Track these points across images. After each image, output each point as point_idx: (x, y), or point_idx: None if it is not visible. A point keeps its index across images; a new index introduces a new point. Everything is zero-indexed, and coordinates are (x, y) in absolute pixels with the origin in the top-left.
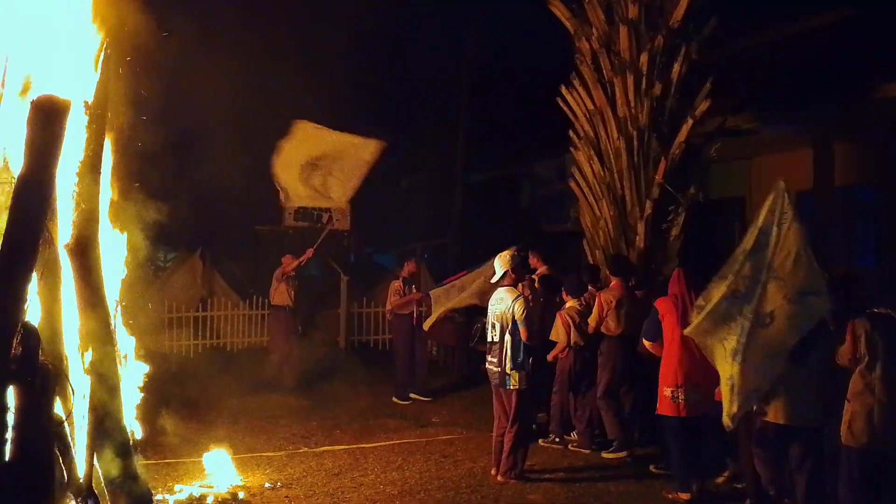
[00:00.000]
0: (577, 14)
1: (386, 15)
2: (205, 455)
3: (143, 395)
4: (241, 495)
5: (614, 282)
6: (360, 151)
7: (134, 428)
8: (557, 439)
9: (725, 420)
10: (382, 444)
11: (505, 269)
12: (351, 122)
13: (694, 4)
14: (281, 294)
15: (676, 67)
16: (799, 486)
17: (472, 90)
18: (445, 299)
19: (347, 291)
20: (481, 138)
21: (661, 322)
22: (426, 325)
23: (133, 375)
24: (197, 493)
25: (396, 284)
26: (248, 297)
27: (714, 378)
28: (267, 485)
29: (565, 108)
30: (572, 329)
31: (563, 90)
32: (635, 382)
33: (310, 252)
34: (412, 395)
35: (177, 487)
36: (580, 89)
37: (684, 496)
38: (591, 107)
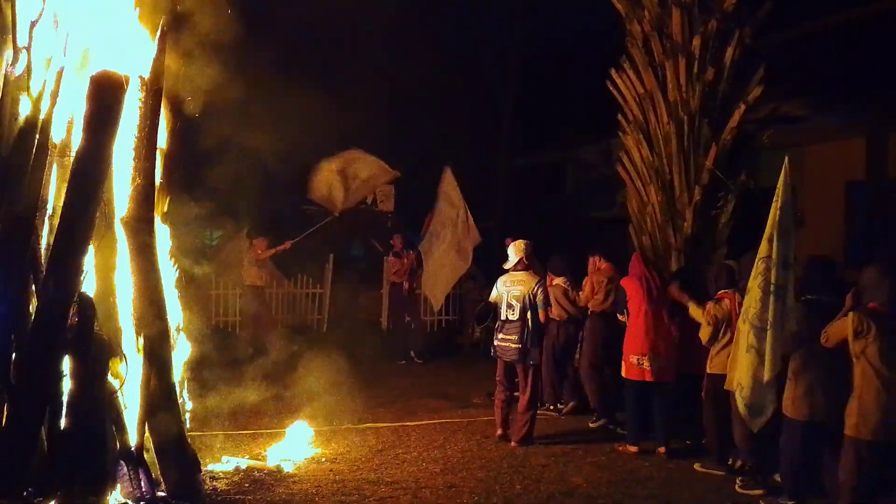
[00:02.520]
0: None
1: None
2: (251, 428)
3: (192, 368)
4: (286, 468)
5: (607, 265)
6: (379, 175)
7: (184, 400)
8: (552, 407)
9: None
10: (425, 422)
11: (519, 257)
12: (396, 104)
13: None
14: (252, 275)
15: (729, 52)
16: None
17: (518, 73)
18: (430, 251)
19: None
20: (526, 122)
21: (629, 299)
22: (437, 305)
23: (183, 349)
24: (244, 464)
25: (391, 260)
26: (293, 275)
27: (673, 348)
28: (312, 459)
29: (614, 92)
30: (558, 305)
31: (613, 73)
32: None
33: (287, 244)
34: (413, 357)
35: (224, 459)
36: (630, 72)
37: (633, 448)
38: (641, 91)
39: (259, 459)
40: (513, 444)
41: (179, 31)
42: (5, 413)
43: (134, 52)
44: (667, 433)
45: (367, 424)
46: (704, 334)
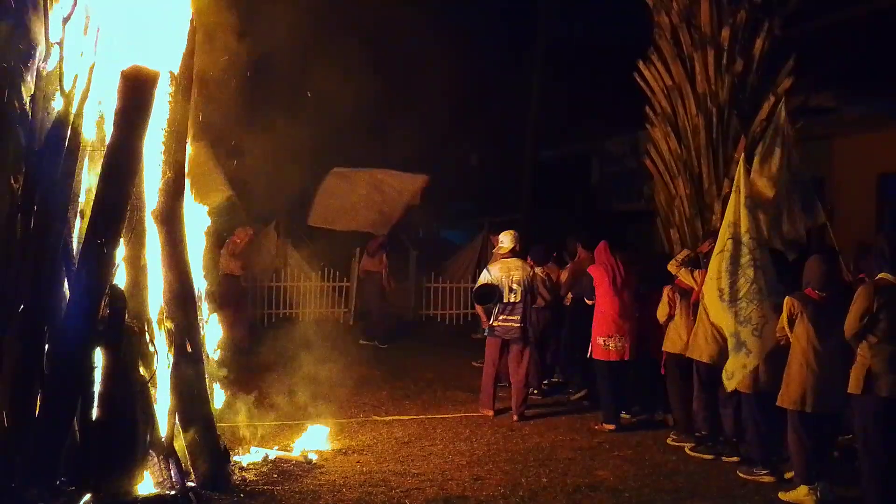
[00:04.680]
0: None
1: None
2: (279, 420)
3: (221, 360)
4: (314, 459)
5: (585, 254)
6: (403, 186)
7: (213, 391)
8: (535, 392)
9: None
10: (451, 415)
11: (512, 245)
12: (421, 97)
13: None
14: (228, 264)
15: (759, 43)
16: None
17: (544, 65)
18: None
19: (416, 266)
20: (552, 114)
21: (596, 285)
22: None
23: (212, 341)
24: (272, 455)
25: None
26: (321, 269)
27: (635, 331)
28: (339, 450)
29: (642, 84)
30: (538, 293)
31: (641, 65)
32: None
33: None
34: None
35: (253, 450)
36: (658, 64)
37: (609, 426)
38: (669, 82)
39: (287, 450)
40: (514, 418)
41: (209, 27)
42: (38, 404)
43: (164, 47)
44: (625, 405)
45: (394, 417)
46: (661, 314)
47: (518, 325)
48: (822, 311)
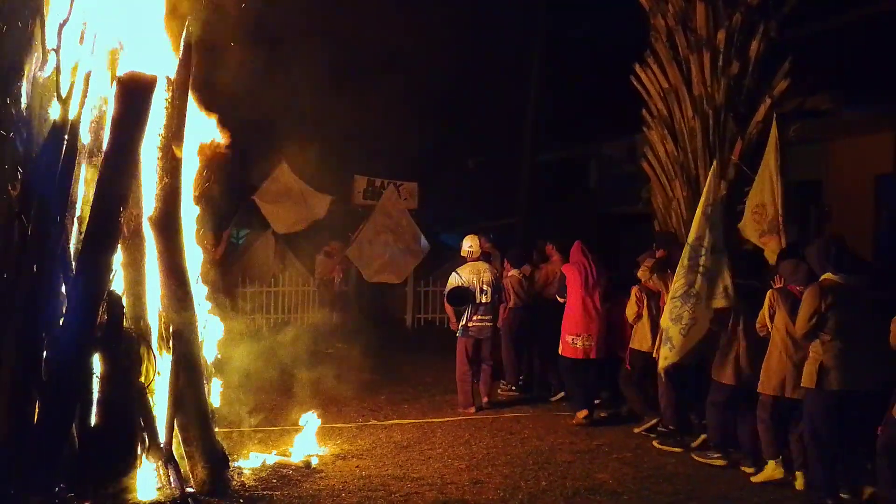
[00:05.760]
0: None
1: None
2: (278, 425)
3: (219, 366)
4: (313, 463)
5: (558, 257)
6: (314, 204)
7: (212, 397)
8: (513, 388)
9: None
10: (449, 419)
11: (478, 249)
12: (420, 101)
13: None
14: (325, 271)
15: (755, 45)
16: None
17: (541, 69)
18: (370, 255)
19: (414, 270)
20: (550, 118)
21: (567, 284)
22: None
23: (210, 346)
24: (271, 460)
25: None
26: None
27: (604, 330)
28: (338, 454)
29: (638, 87)
30: (513, 294)
31: (637, 68)
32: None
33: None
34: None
35: (252, 455)
36: (654, 67)
37: (582, 413)
38: (665, 85)
39: (286, 455)
40: (485, 400)
41: (206, 33)
42: (37, 410)
43: (161, 53)
44: (592, 400)
45: (393, 421)
46: (630, 313)
47: (490, 324)
48: (799, 304)
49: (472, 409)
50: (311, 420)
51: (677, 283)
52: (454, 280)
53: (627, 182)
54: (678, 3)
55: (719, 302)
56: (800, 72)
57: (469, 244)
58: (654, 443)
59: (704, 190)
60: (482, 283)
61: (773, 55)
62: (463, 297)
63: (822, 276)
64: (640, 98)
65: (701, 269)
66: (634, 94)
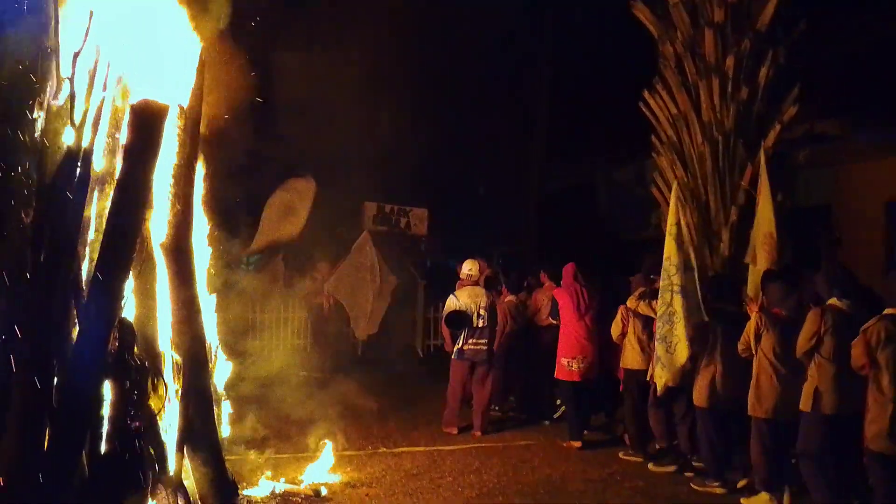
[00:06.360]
0: (662, 17)
1: (464, 18)
2: (287, 452)
3: (229, 392)
4: (322, 492)
5: (550, 283)
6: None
7: (222, 424)
8: (496, 408)
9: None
10: (460, 446)
11: (477, 273)
12: (428, 127)
13: (782, 7)
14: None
15: (763, 71)
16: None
17: (548, 95)
18: (351, 290)
19: (424, 296)
20: (557, 144)
21: (560, 308)
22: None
23: (221, 373)
24: (280, 488)
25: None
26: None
27: (597, 352)
28: (347, 482)
29: (647, 113)
30: (510, 318)
31: (646, 94)
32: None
33: None
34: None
35: (261, 482)
36: (663, 93)
37: (576, 444)
38: (674, 111)
39: (295, 483)
40: (478, 434)
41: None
42: (47, 437)
43: (173, 81)
44: (585, 427)
45: (402, 448)
46: (615, 332)
47: (486, 347)
48: (788, 328)
49: (455, 430)
50: (320, 447)
51: (660, 303)
52: (452, 303)
53: (637, 208)
54: (687, 30)
55: (697, 317)
56: (809, 97)
57: (469, 268)
58: (650, 466)
59: (669, 212)
60: (479, 308)
61: (781, 80)
62: (460, 320)
63: (828, 302)
64: (649, 124)
65: (676, 287)
66: (642, 119)
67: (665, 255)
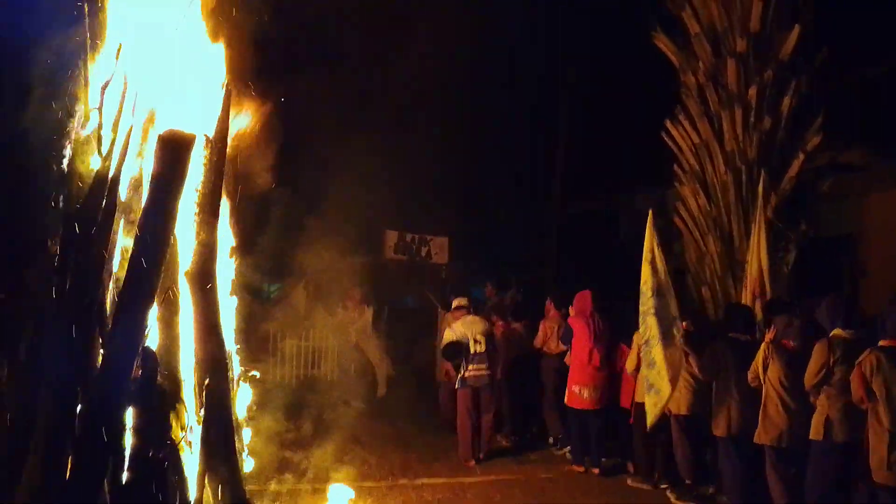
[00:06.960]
0: (683, 48)
1: (486, 47)
2: (307, 482)
3: (251, 421)
4: None
5: (555, 312)
6: None
7: (243, 453)
8: (512, 437)
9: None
10: (481, 479)
11: (467, 304)
12: (448, 150)
13: (804, 36)
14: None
15: (786, 101)
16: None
17: (570, 122)
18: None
19: (444, 325)
20: (578, 171)
21: (574, 335)
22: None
23: (243, 402)
24: None
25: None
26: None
27: (608, 381)
28: None
29: (669, 143)
30: (515, 345)
31: (668, 124)
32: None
33: None
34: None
35: None
36: (685, 123)
37: (579, 468)
38: (696, 140)
39: None
40: (480, 456)
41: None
42: (69, 465)
43: (200, 111)
44: (600, 455)
45: (423, 480)
46: (630, 365)
47: (487, 372)
48: (795, 359)
49: (472, 462)
50: (340, 478)
51: (641, 329)
52: (448, 335)
53: (659, 236)
54: (709, 59)
55: (673, 340)
56: (833, 126)
57: (459, 300)
58: (673, 499)
59: (645, 238)
60: (475, 334)
61: (804, 110)
62: (457, 350)
63: (832, 332)
64: (671, 152)
65: (652, 310)
66: (664, 148)
67: (642, 280)
